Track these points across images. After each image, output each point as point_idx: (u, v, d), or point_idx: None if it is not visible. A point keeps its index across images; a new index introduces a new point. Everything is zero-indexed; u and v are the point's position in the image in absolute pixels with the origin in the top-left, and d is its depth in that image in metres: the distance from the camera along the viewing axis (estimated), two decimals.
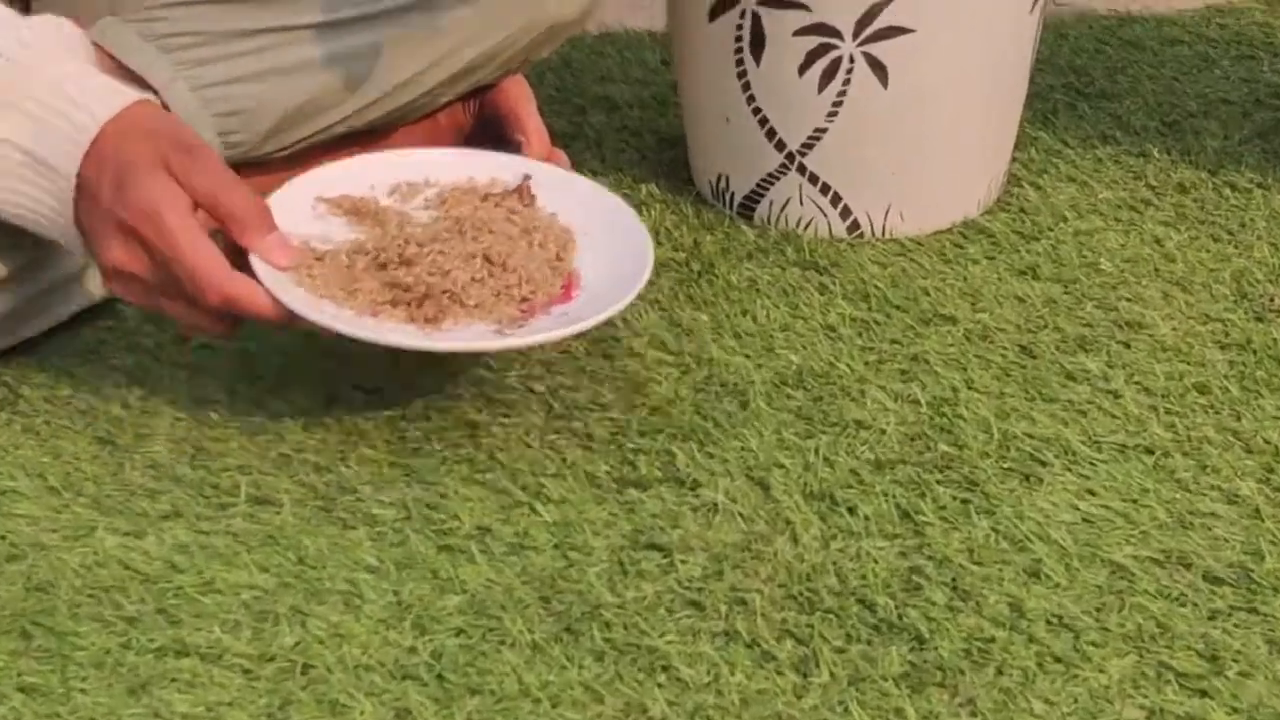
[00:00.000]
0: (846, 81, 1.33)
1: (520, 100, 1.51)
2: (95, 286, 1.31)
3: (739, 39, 1.35)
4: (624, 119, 1.60)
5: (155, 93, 1.31)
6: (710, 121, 1.42)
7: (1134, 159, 1.50)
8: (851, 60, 1.32)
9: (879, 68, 1.33)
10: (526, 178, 1.27)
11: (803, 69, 1.33)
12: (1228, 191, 1.44)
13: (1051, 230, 1.39)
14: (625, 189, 1.46)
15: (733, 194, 1.42)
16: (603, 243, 1.23)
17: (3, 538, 1.02)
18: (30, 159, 1.19)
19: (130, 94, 1.21)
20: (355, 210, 1.24)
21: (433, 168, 1.31)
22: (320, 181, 1.28)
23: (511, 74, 1.49)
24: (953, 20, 1.34)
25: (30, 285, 1.28)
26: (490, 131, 1.51)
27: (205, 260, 1.13)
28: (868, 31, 1.31)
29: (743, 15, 1.33)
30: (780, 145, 1.37)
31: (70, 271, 1.30)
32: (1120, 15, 1.79)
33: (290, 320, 1.14)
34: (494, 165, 1.31)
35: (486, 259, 1.18)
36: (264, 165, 1.41)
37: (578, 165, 1.49)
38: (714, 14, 1.35)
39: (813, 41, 1.32)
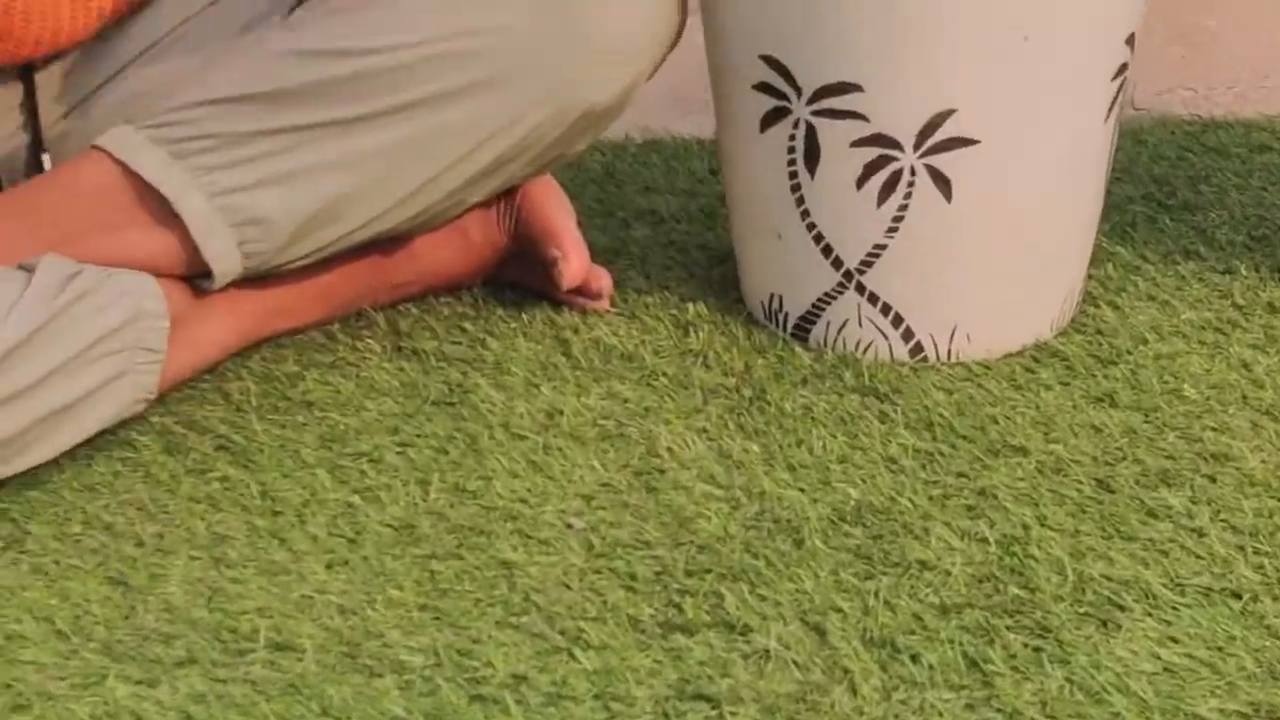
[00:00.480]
0: (908, 195, 1.34)
1: (557, 213, 1.52)
2: (107, 410, 1.31)
3: (792, 150, 1.36)
4: (670, 233, 1.61)
5: (168, 203, 1.34)
6: (762, 237, 1.43)
7: (1219, 276, 1.50)
8: (913, 173, 1.33)
9: (942, 180, 1.33)
10: None
11: (860, 182, 1.34)
12: None
13: (1130, 354, 1.39)
14: (672, 308, 1.48)
15: (786, 314, 1.42)
16: None
17: (8, 686, 1.02)
18: None
19: None
20: None
21: None
22: None
23: (543, 171, 1.50)
24: (1021, 130, 1.35)
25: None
26: (527, 249, 1.53)
27: None
28: (930, 142, 1.32)
29: (796, 125, 1.35)
30: (837, 263, 1.38)
31: (76, 394, 1.29)
32: (1204, 121, 1.80)
33: None
34: None
35: None
36: (282, 277, 1.43)
37: (621, 282, 1.52)
38: (765, 124, 1.36)
39: (871, 153, 1.33)
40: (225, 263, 1.36)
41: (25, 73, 1.45)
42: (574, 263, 1.49)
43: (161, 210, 1.35)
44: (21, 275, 1.26)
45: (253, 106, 1.37)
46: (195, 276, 1.38)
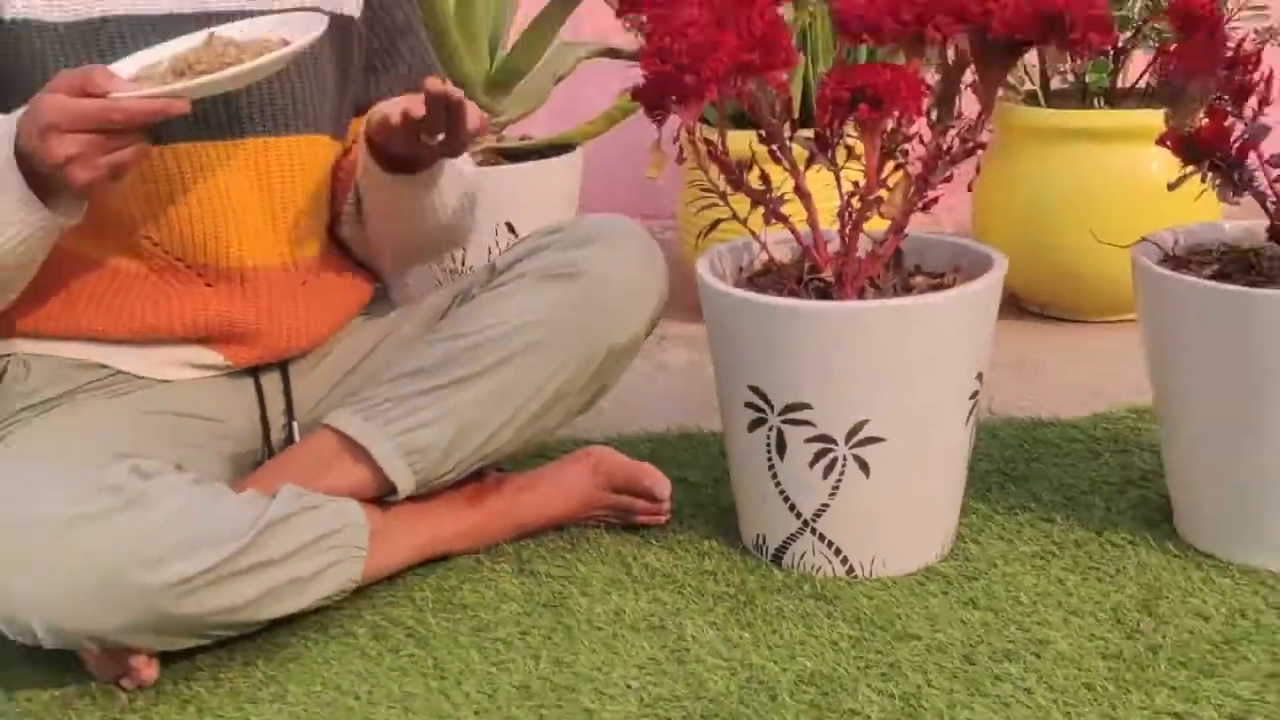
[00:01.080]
0: (842, 473, 1.36)
1: (629, 464, 1.52)
2: (325, 588, 1.29)
3: (768, 444, 1.38)
4: (697, 494, 1.60)
5: (365, 449, 1.35)
6: (752, 499, 1.44)
7: (1044, 523, 1.50)
8: (844, 459, 1.36)
9: (863, 464, 1.36)
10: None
11: (811, 464, 1.36)
12: (1109, 547, 1.44)
13: (987, 573, 1.40)
14: (695, 543, 1.48)
15: (768, 547, 1.44)
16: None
17: None
18: None
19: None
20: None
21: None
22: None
23: (595, 400, 1.48)
24: (913, 431, 1.37)
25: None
26: (620, 493, 1.52)
27: (93, 104, 1.13)
28: (855, 439, 1.35)
29: (770, 429, 1.37)
30: (798, 515, 1.39)
31: (306, 572, 1.27)
32: (1035, 420, 1.78)
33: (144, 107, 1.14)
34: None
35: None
36: (439, 493, 1.43)
37: (663, 526, 1.52)
38: (751, 428, 1.39)
39: (818, 446, 1.36)
40: (403, 482, 1.37)
41: (283, 369, 1.45)
42: (660, 481, 1.51)
43: (360, 454, 1.37)
44: (268, 498, 1.26)
45: (411, 379, 1.39)
46: (384, 496, 1.39)
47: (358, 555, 1.32)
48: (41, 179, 1.17)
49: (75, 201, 1.22)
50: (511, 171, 2.19)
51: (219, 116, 1.33)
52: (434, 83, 1.24)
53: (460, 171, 1.47)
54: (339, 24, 1.41)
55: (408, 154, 1.35)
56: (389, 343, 1.50)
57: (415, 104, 1.26)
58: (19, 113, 1.18)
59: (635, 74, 1.33)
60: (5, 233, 1.19)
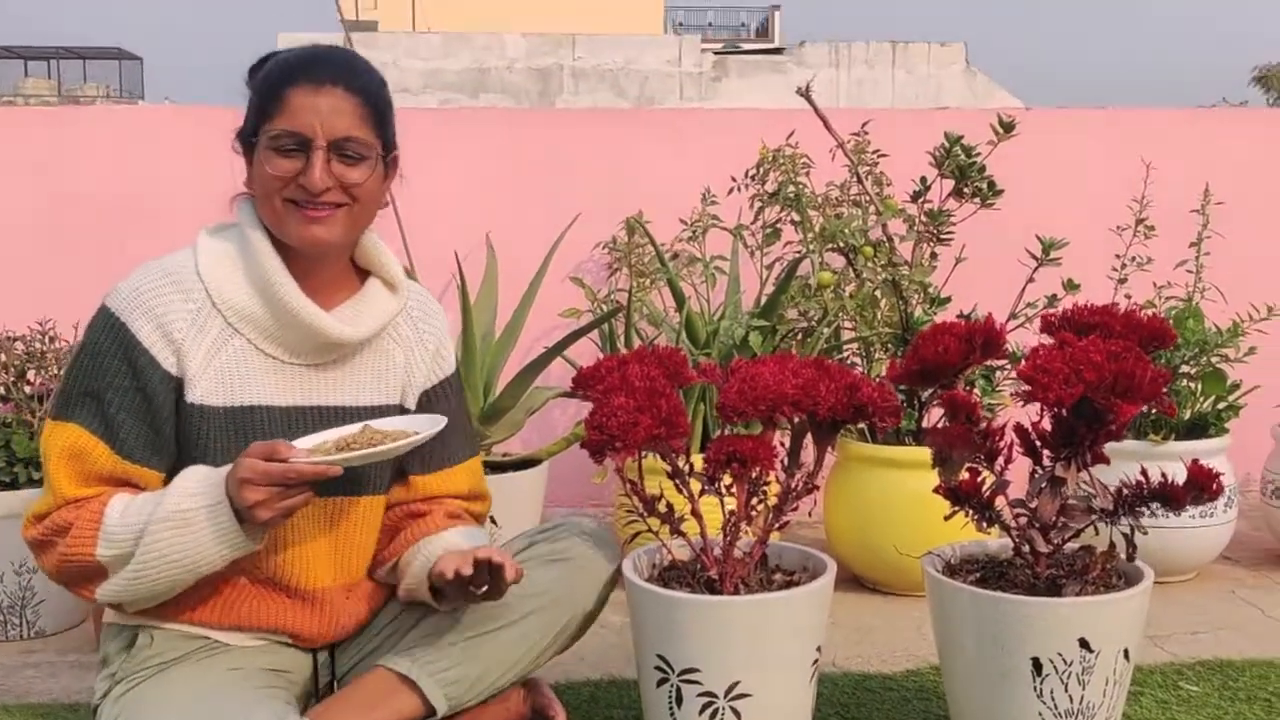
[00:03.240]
0: (722, 718, 1.42)
1: (550, 696, 1.57)
2: None
3: (669, 696, 1.44)
4: None
5: (414, 682, 1.41)
6: None
7: None
8: (724, 709, 1.42)
9: (737, 713, 1.42)
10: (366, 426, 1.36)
11: (700, 711, 1.42)
12: None
13: None
14: None
15: None
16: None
17: None
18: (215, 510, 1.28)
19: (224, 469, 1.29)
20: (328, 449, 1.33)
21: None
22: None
23: (563, 650, 1.52)
24: (772, 689, 1.43)
25: None
26: (538, 711, 1.55)
27: (281, 450, 1.25)
28: (731, 694, 1.42)
29: (671, 686, 1.44)
30: None
31: None
32: (864, 674, 1.81)
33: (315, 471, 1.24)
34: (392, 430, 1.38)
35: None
36: (464, 712, 1.47)
37: None
38: (658, 684, 1.45)
39: (705, 699, 1.42)
40: (441, 707, 1.43)
41: (331, 648, 1.52)
42: (562, 714, 1.56)
43: (408, 688, 1.43)
44: None
45: (442, 636, 1.45)
46: (425, 717, 1.43)
47: None
48: (238, 517, 1.29)
49: (259, 534, 1.32)
50: (496, 480, 2.28)
51: (321, 484, 1.34)
52: (483, 551, 1.34)
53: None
54: (402, 414, 1.49)
55: (460, 600, 1.42)
56: (412, 606, 1.52)
57: (465, 563, 1.33)
58: (226, 468, 1.29)
59: (586, 407, 1.47)
60: (219, 553, 1.31)
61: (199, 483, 1.31)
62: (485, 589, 1.37)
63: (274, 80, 1.35)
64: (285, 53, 1.39)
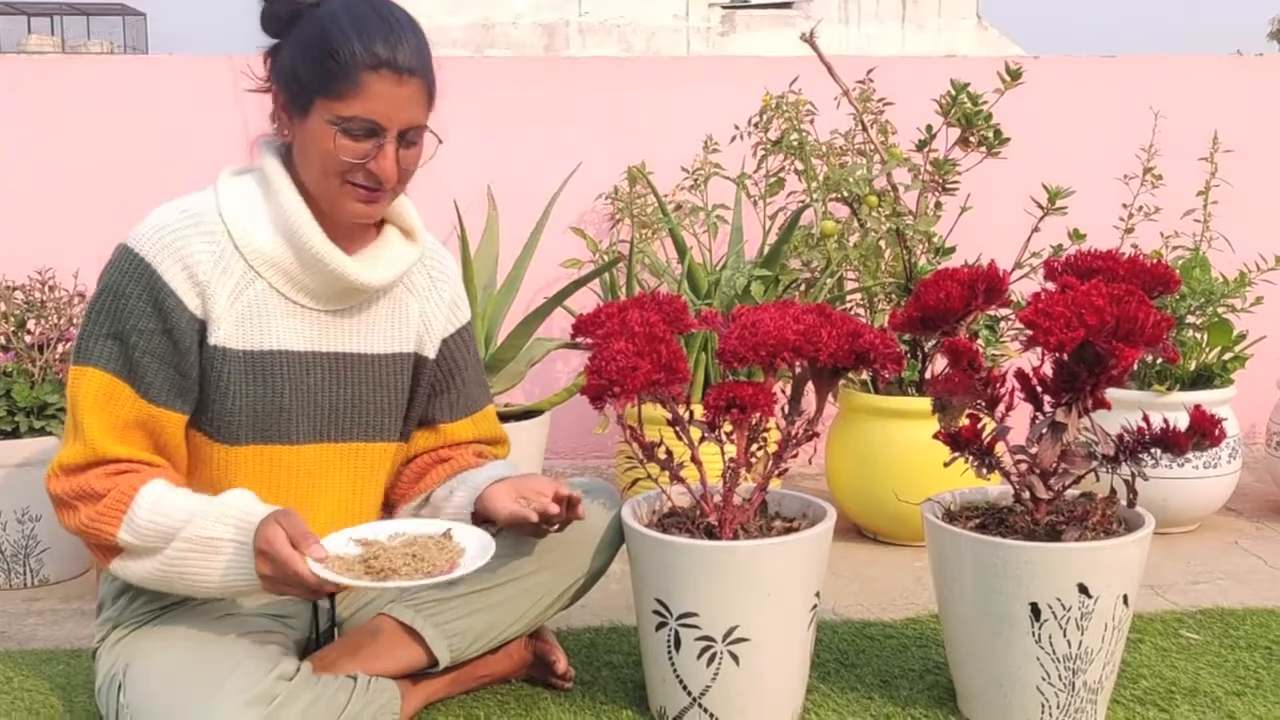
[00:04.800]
0: (720, 663, 1.42)
1: (554, 643, 1.58)
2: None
3: (668, 641, 1.44)
4: (619, 673, 1.63)
5: (418, 632, 1.41)
6: (656, 680, 1.48)
7: (866, 700, 1.54)
8: (722, 653, 1.42)
9: (735, 657, 1.42)
10: (448, 531, 1.36)
11: (699, 655, 1.43)
12: (917, 715, 1.50)
13: None
14: (617, 711, 1.51)
15: (668, 716, 1.47)
16: (472, 552, 1.32)
17: None
18: (241, 549, 1.27)
19: (262, 510, 1.28)
20: (362, 541, 1.34)
21: (403, 526, 1.38)
22: (351, 531, 1.37)
23: (568, 606, 1.53)
24: (770, 633, 1.43)
25: None
26: (539, 659, 1.57)
27: (296, 563, 1.23)
28: (730, 639, 1.42)
29: (670, 630, 1.44)
30: (689, 693, 1.44)
31: None
32: (864, 621, 1.82)
33: (320, 584, 1.22)
34: (434, 526, 1.38)
35: (415, 557, 1.29)
36: (468, 663, 1.48)
37: (596, 697, 1.53)
38: (657, 628, 1.45)
39: (703, 643, 1.42)
40: (444, 658, 1.44)
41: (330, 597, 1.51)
42: (563, 660, 1.57)
43: (412, 638, 1.43)
44: (351, 679, 1.35)
45: (451, 586, 1.45)
46: (428, 667, 1.45)
47: (395, 714, 1.40)
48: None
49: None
50: None
51: (337, 428, 1.42)
52: (563, 488, 1.38)
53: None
54: (418, 363, 1.51)
55: (526, 533, 1.44)
56: None
57: (548, 504, 1.37)
58: (264, 513, 1.28)
59: (587, 358, 1.46)
60: (226, 584, 1.30)
61: (236, 515, 1.30)
62: (558, 525, 1.39)
63: (353, 60, 1.29)
64: (352, 12, 1.31)
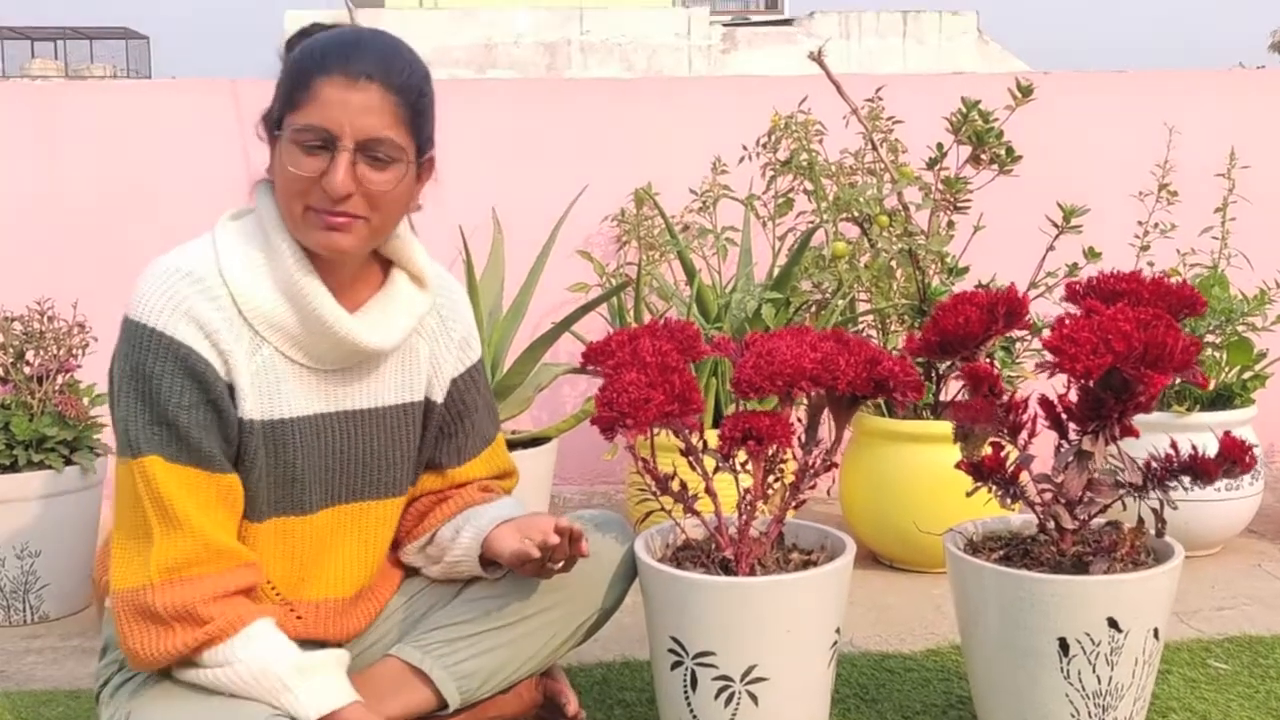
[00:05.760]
0: (738, 703, 1.39)
1: (565, 684, 1.54)
2: None
3: (684, 680, 1.41)
4: (632, 712, 1.61)
5: (426, 674, 1.38)
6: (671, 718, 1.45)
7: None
8: (740, 693, 1.39)
9: (754, 697, 1.39)
10: None
11: (716, 695, 1.39)
12: None
13: None
14: None
15: None
16: None
17: None
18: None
19: (348, 695, 1.23)
20: None
21: None
22: None
23: (578, 645, 1.49)
24: (788, 674, 1.40)
25: None
26: (549, 700, 1.54)
27: None
28: (748, 678, 1.39)
29: (686, 669, 1.41)
30: None
31: None
32: (883, 653, 1.78)
33: None
34: None
35: None
36: (477, 704, 1.45)
37: None
38: (673, 667, 1.42)
39: (720, 683, 1.39)
40: (454, 701, 1.40)
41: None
42: (573, 703, 1.53)
43: (420, 680, 1.40)
44: None
45: (460, 627, 1.43)
46: (438, 710, 1.41)
47: None
48: None
49: None
50: None
51: (348, 489, 1.36)
52: (562, 520, 1.33)
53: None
54: (427, 407, 1.43)
55: (531, 573, 1.40)
56: (426, 593, 1.52)
57: (549, 535, 1.33)
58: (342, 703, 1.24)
59: (595, 383, 1.43)
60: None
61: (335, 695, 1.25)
62: (563, 562, 1.35)
63: (305, 66, 1.22)
64: (323, 33, 1.26)
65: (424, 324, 1.43)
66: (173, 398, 1.22)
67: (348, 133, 1.21)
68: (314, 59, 1.23)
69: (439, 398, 1.46)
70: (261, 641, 1.24)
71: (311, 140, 1.21)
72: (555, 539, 1.32)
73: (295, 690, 1.21)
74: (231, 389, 1.26)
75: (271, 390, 1.29)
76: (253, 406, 1.28)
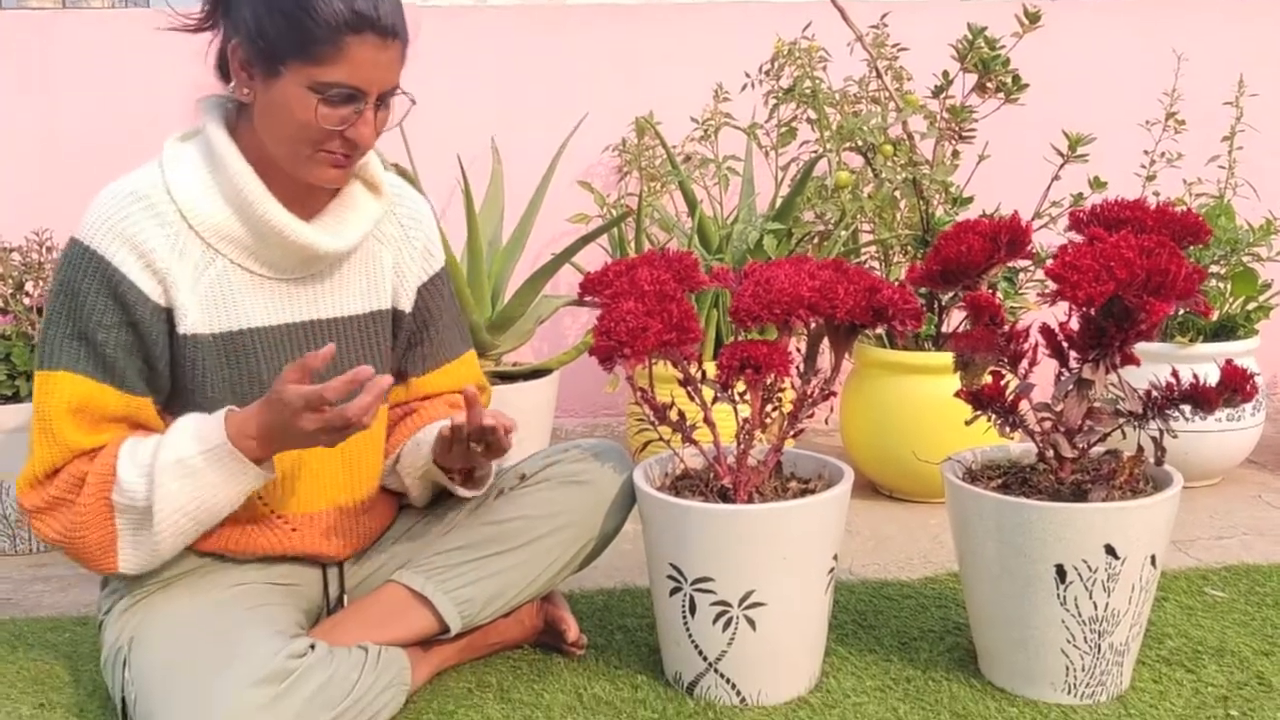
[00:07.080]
0: (736, 627, 1.40)
1: (564, 609, 1.56)
2: (392, 705, 1.33)
3: (683, 606, 1.41)
4: (633, 637, 1.61)
5: (427, 599, 1.39)
6: (671, 645, 1.46)
7: (885, 663, 1.52)
8: (738, 618, 1.40)
9: (751, 622, 1.39)
10: None
11: (714, 621, 1.40)
12: (931, 682, 1.47)
13: (841, 703, 1.42)
14: (632, 676, 1.49)
15: (682, 681, 1.46)
16: None
17: None
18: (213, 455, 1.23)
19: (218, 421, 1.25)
20: None
21: None
22: None
23: (580, 569, 1.51)
24: (785, 598, 1.40)
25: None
26: (549, 626, 1.56)
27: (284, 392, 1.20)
28: (746, 603, 1.39)
29: (684, 595, 1.41)
30: (704, 658, 1.42)
31: (384, 699, 1.31)
32: (881, 581, 1.80)
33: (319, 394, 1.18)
34: None
35: None
36: (478, 629, 1.46)
37: (611, 662, 1.51)
38: (671, 593, 1.42)
39: (719, 608, 1.39)
40: (455, 625, 1.41)
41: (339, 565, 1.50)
42: (574, 628, 1.55)
43: (422, 604, 1.41)
44: (363, 651, 1.32)
45: (460, 551, 1.44)
46: (439, 634, 1.43)
47: (405, 686, 1.38)
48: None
49: (269, 464, 1.29)
50: (506, 389, 2.26)
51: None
52: (469, 390, 1.27)
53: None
54: (395, 317, 1.46)
55: (464, 464, 1.39)
56: (426, 521, 1.53)
57: (456, 414, 1.32)
58: (218, 415, 1.25)
59: (596, 315, 1.42)
60: (233, 491, 1.27)
61: (194, 429, 1.26)
62: (485, 447, 1.33)
63: (334, 19, 1.19)
64: None
65: (385, 232, 1.43)
66: (94, 315, 1.25)
67: (376, 89, 1.25)
68: (339, 6, 1.20)
69: (406, 307, 1.46)
70: (145, 447, 1.25)
71: (338, 96, 1.23)
72: (461, 417, 1.30)
73: (217, 448, 1.24)
74: (170, 311, 1.28)
75: (226, 302, 1.30)
76: (200, 321, 1.29)
